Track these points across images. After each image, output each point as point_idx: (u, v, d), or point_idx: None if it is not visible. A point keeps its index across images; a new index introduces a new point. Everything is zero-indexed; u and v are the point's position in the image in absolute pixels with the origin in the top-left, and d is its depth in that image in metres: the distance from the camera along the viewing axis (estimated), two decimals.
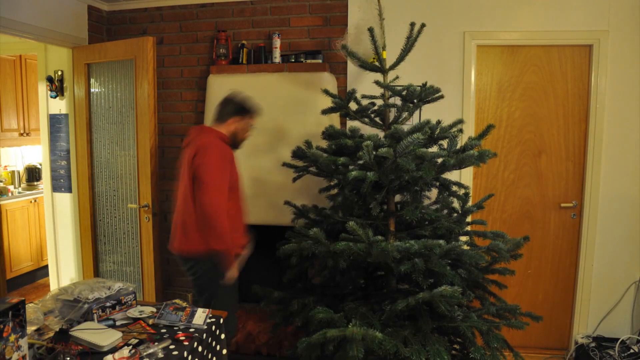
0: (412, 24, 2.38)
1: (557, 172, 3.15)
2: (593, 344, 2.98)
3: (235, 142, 2.48)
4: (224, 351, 2.00)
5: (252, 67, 3.17)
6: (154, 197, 3.11)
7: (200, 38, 3.45)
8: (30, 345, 1.57)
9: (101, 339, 1.65)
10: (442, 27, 3.08)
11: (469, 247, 2.32)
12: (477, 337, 1.99)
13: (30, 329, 1.70)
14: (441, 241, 1.95)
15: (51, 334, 1.70)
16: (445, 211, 2.44)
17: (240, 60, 3.24)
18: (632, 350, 2.87)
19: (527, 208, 3.21)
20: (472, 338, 1.93)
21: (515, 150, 3.17)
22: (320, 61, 3.10)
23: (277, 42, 3.17)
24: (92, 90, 3.39)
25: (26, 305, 1.53)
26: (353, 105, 2.52)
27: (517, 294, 3.23)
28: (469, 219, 2.58)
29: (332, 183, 2.53)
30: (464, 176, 3.14)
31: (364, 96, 2.58)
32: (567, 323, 3.22)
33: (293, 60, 3.15)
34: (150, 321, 1.88)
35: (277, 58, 3.18)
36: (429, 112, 2.95)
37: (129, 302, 2.01)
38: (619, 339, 2.93)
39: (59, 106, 3.59)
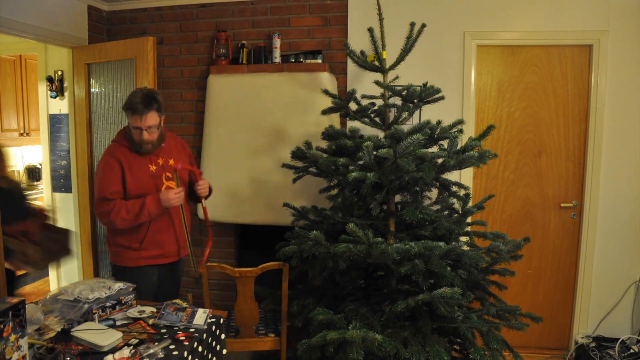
0: (412, 24, 2.38)
1: (557, 172, 3.15)
2: (593, 344, 2.98)
3: (133, 144, 2.28)
4: (224, 351, 2.01)
5: (252, 67, 3.17)
6: None
7: (200, 38, 3.45)
8: (30, 345, 1.57)
9: (101, 339, 1.65)
10: (442, 27, 3.08)
11: (469, 248, 2.32)
12: (477, 337, 1.99)
13: (30, 329, 1.71)
14: (441, 243, 1.95)
15: (51, 334, 1.71)
16: (446, 212, 2.44)
17: (240, 60, 3.24)
18: (632, 350, 2.87)
19: (527, 208, 3.21)
20: (472, 339, 1.93)
21: (515, 150, 3.17)
22: (320, 61, 3.10)
23: (277, 42, 3.17)
24: (92, 90, 3.39)
25: (26, 305, 1.53)
26: (353, 106, 2.52)
27: (517, 294, 3.23)
28: (469, 219, 2.58)
29: (332, 183, 2.53)
30: (464, 176, 3.14)
31: (364, 96, 2.58)
32: (567, 323, 3.22)
33: (293, 60, 3.15)
34: (151, 321, 1.88)
35: (277, 58, 3.18)
36: (429, 112, 2.95)
37: (129, 302, 2.01)
38: (619, 339, 2.94)
39: (59, 106, 3.60)
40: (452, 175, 2.86)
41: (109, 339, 1.66)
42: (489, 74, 3.16)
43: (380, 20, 2.42)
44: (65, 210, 3.66)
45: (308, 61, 3.12)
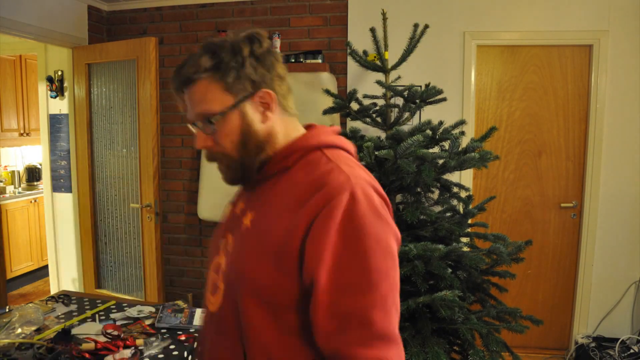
0: (416, 25, 2.37)
1: (557, 172, 3.15)
2: (593, 344, 2.98)
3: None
4: None
5: None
6: (156, 197, 3.11)
7: (200, 38, 3.45)
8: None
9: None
10: (442, 27, 3.08)
11: (469, 249, 2.32)
12: (477, 339, 1.99)
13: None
14: (440, 245, 1.94)
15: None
16: (449, 214, 2.43)
17: None
18: (632, 350, 2.87)
19: (527, 208, 3.21)
20: (471, 340, 1.93)
21: (515, 150, 3.17)
22: (320, 61, 3.10)
23: (277, 42, 3.17)
24: (92, 90, 3.39)
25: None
26: (354, 106, 2.51)
27: (517, 294, 3.23)
28: (470, 220, 2.57)
29: None
30: (464, 176, 3.14)
31: (365, 96, 2.57)
32: (567, 323, 3.22)
33: (293, 60, 3.15)
34: (148, 321, 1.88)
35: None
36: (429, 112, 2.94)
37: None
38: (619, 339, 2.94)
39: (59, 106, 3.59)
40: (452, 176, 2.85)
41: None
42: (489, 74, 3.16)
43: (384, 20, 2.41)
44: (65, 211, 3.66)
45: (308, 61, 3.12)
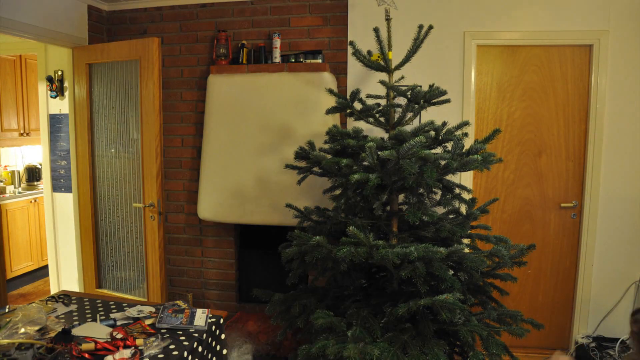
0: (420, 26, 2.37)
1: (557, 172, 3.15)
2: (593, 344, 2.99)
3: None
4: (224, 351, 2.01)
5: (252, 67, 3.17)
6: (159, 196, 3.11)
7: (200, 38, 3.45)
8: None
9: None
10: (442, 27, 3.08)
11: (470, 251, 2.31)
12: (477, 341, 1.99)
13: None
14: (441, 248, 1.94)
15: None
16: (452, 215, 2.43)
17: (240, 60, 3.24)
18: (632, 350, 2.87)
19: (527, 208, 3.21)
20: (471, 342, 1.93)
21: (515, 150, 3.17)
22: (320, 61, 3.10)
23: (277, 42, 3.17)
24: (92, 90, 3.39)
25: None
26: (357, 105, 2.51)
27: (517, 294, 3.23)
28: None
29: (335, 183, 2.52)
30: (464, 176, 3.14)
31: (369, 96, 2.57)
32: (567, 323, 3.22)
33: (293, 60, 3.15)
34: (148, 321, 1.88)
35: (277, 58, 3.18)
36: (429, 112, 2.94)
37: None
38: (619, 339, 2.94)
39: (59, 106, 3.60)
40: (452, 176, 2.85)
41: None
42: (489, 74, 3.16)
43: (388, 20, 2.40)
44: (65, 210, 3.66)
45: (308, 61, 3.12)
